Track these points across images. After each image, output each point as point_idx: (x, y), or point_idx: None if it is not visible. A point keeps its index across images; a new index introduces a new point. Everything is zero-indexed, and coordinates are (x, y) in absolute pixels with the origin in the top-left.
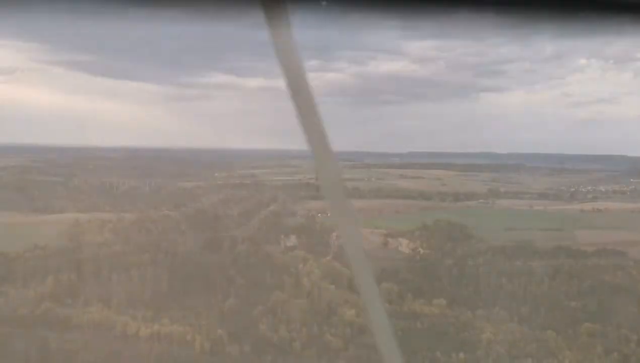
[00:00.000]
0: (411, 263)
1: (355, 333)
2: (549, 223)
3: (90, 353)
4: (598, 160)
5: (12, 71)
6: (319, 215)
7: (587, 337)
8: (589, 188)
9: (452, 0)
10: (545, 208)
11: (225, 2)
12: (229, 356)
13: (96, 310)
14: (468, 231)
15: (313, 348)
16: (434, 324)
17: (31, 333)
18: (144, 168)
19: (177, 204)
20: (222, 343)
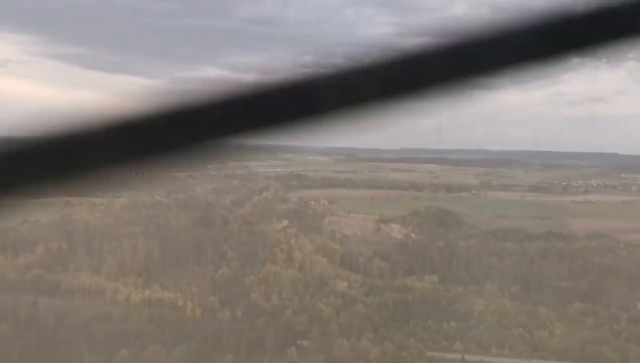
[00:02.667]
0: (403, 246)
1: (347, 303)
2: (540, 212)
3: (80, 316)
4: (590, 158)
5: (5, 63)
6: (312, 202)
7: (578, 315)
8: (580, 182)
9: None
10: (537, 199)
11: None
12: (221, 321)
13: (86, 277)
14: (459, 218)
15: (304, 315)
16: (426, 297)
17: (20, 297)
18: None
19: (169, 191)
20: (214, 309)
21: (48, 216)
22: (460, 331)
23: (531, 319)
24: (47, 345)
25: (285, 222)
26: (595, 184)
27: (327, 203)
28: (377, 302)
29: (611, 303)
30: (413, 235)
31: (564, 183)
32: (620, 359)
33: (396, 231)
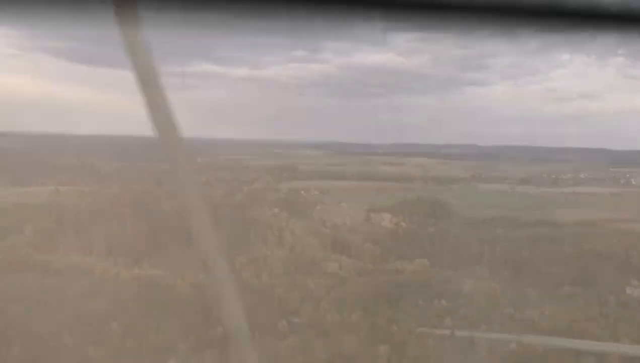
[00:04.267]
0: (394, 233)
1: (337, 283)
2: (530, 202)
3: (69, 292)
4: (580, 153)
5: None
6: (302, 192)
7: (567, 297)
8: (570, 175)
9: None
10: (527, 191)
11: None
12: (210, 297)
13: (75, 257)
14: (450, 208)
15: (295, 294)
16: (416, 278)
17: (7, 275)
18: (125, 152)
19: (159, 182)
20: (203, 286)
21: (37, 199)
22: (450, 309)
23: (521, 300)
24: (35, 319)
25: (276, 210)
26: (584, 177)
27: (317, 193)
28: (368, 282)
29: (600, 288)
30: (404, 224)
31: (554, 176)
32: (610, 337)
33: (387, 220)
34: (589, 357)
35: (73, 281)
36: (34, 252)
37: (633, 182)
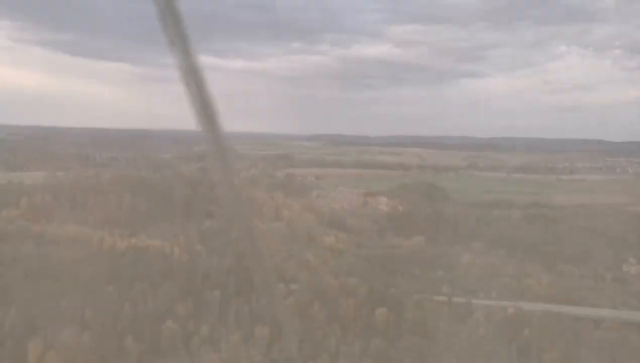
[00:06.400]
0: (390, 214)
1: (335, 254)
2: (526, 187)
3: (66, 259)
4: (576, 144)
5: None
6: (299, 177)
7: (564, 271)
8: (566, 164)
9: None
10: (523, 177)
11: None
12: (208, 265)
13: (71, 228)
14: (446, 192)
15: (292, 263)
16: (414, 252)
17: (3, 244)
18: (121, 143)
19: (156, 168)
20: (201, 255)
21: (33, 179)
22: (448, 279)
23: (518, 271)
24: (31, 284)
25: (273, 191)
26: (580, 166)
27: (314, 178)
28: (365, 254)
29: (596, 265)
30: (400, 207)
31: (550, 165)
32: (606, 304)
33: (383, 203)
34: (587, 322)
35: (69, 249)
36: (28, 223)
37: (630, 171)
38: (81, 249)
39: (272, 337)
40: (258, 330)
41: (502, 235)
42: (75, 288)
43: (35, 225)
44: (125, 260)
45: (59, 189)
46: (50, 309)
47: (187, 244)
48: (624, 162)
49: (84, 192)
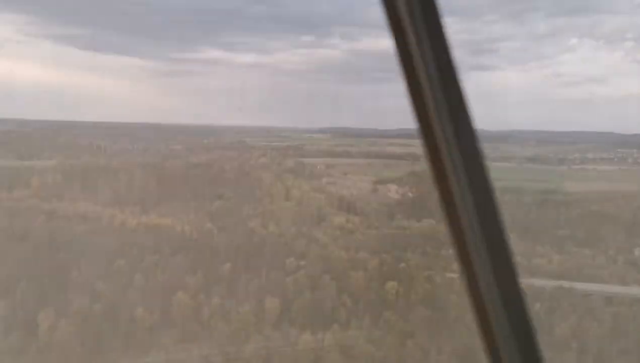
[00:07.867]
0: (401, 199)
1: (345, 233)
2: (538, 176)
3: (76, 234)
4: (587, 135)
5: (2, 44)
6: (308, 165)
7: (576, 252)
8: (577, 155)
9: None
10: (534, 167)
11: None
12: (219, 243)
13: (82, 206)
14: None
15: (302, 241)
16: (423, 233)
17: (14, 220)
18: (133, 136)
19: (165, 158)
20: (212, 234)
21: (44, 164)
22: None
23: (529, 251)
24: (41, 257)
25: (282, 175)
26: (591, 157)
27: (324, 167)
28: (375, 234)
29: (608, 248)
30: (410, 194)
31: (561, 156)
32: (619, 283)
33: (393, 190)
34: (598, 298)
35: (79, 225)
36: (39, 201)
37: None
38: (92, 225)
39: (282, 309)
40: (267, 302)
41: (513, 218)
42: (86, 262)
43: (46, 203)
44: (135, 236)
45: (70, 170)
46: (61, 281)
47: (197, 223)
48: (635, 153)
49: (95, 173)
